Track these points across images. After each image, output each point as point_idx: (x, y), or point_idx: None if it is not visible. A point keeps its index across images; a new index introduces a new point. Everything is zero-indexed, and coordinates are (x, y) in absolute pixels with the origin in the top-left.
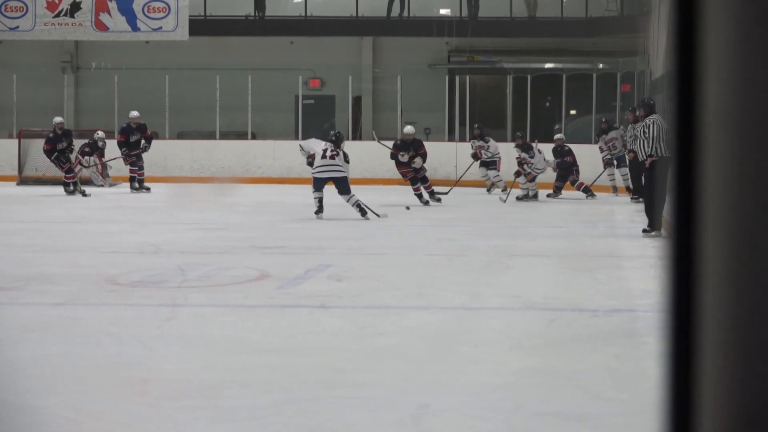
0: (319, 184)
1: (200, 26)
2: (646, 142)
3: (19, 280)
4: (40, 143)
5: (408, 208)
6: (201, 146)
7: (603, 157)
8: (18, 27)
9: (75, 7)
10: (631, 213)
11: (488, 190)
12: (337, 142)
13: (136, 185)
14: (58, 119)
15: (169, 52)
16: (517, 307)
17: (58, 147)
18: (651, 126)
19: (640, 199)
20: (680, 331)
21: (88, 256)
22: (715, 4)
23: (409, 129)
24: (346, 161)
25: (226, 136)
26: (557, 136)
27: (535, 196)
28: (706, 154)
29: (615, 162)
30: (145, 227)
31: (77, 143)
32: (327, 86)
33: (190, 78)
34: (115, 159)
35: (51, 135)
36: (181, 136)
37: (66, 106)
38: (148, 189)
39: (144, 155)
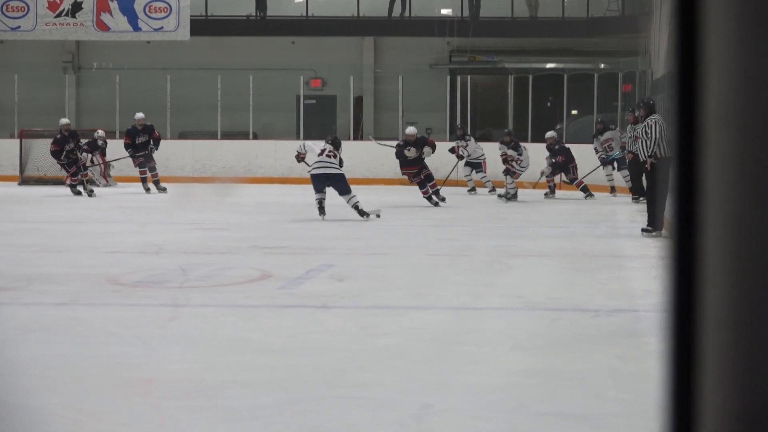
0: (318, 184)
1: (201, 26)
2: (647, 142)
3: (20, 280)
4: (41, 143)
5: (378, 216)
6: (202, 146)
7: (598, 157)
8: (19, 27)
9: (76, 7)
10: (632, 213)
11: (469, 191)
12: (335, 144)
13: (149, 186)
14: (64, 120)
15: (171, 52)
16: (519, 307)
17: (66, 148)
18: (653, 127)
19: (641, 200)
20: (682, 331)
21: (90, 256)
22: (716, 5)
23: (411, 129)
24: (341, 165)
25: (227, 136)
26: (549, 134)
27: (515, 196)
28: (707, 153)
29: (614, 164)
30: (147, 227)
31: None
32: (328, 86)
33: (192, 78)
34: (118, 159)
35: (58, 136)
36: (182, 136)
37: (67, 106)
38: (164, 189)
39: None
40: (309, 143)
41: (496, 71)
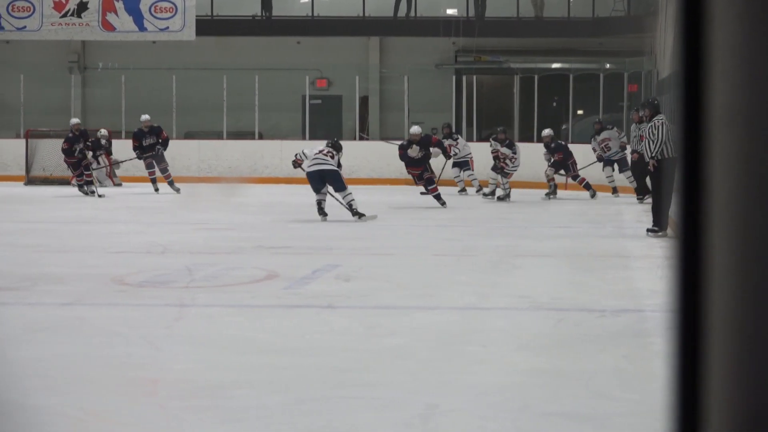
0: (313, 182)
1: (207, 26)
2: (653, 143)
3: (26, 280)
4: (47, 143)
5: (374, 218)
6: (208, 146)
7: (596, 155)
8: (25, 27)
9: (82, 7)
10: (638, 213)
11: (460, 192)
12: (335, 147)
13: (158, 186)
14: (74, 120)
15: (176, 52)
16: (525, 307)
17: (76, 147)
18: (660, 127)
19: (645, 200)
20: (687, 331)
21: (96, 256)
22: (722, 4)
23: (415, 129)
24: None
25: (233, 136)
26: (545, 132)
27: (508, 196)
28: (713, 153)
29: (615, 165)
30: (152, 227)
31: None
32: (334, 86)
33: (197, 78)
34: (125, 161)
35: (70, 135)
36: (188, 136)
37: (73, 106)
38: (178, 190)
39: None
40: (307, 150)
41: (501, 71)
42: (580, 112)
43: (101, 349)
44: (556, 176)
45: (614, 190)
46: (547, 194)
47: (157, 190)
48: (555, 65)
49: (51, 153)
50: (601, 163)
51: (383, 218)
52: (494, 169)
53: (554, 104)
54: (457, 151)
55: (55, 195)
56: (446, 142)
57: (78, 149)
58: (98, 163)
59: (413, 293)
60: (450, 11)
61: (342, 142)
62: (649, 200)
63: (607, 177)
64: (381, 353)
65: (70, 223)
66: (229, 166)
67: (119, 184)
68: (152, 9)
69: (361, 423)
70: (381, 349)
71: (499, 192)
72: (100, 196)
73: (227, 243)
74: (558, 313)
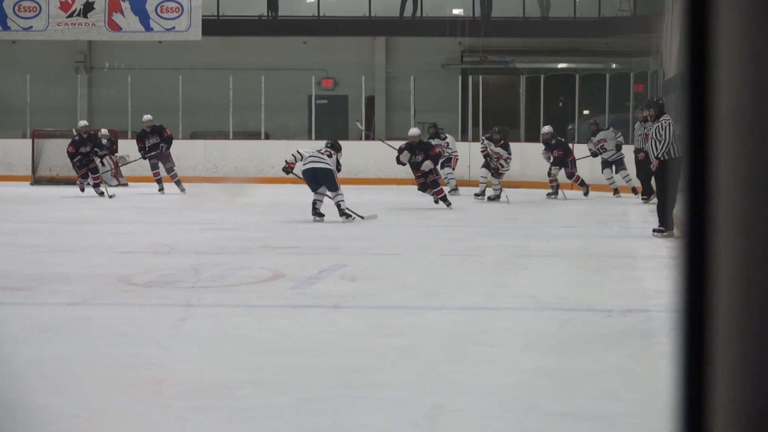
0: (309, 181)
1: (213, 26)
2: (659, 143)
3: (32, 280)
4: (53, 143)
5: (363, 218)
6: (214, 146)
7: (591, 152)
8: (31, 27)
9: (88, 7)
10: (644, 213)
11: (451, 191)
12: (334, 147)
13: (163, 186)
14: (83, 123)
15: (182, 52)
16: (531, 307)
17: (81, 150)
18: (667, 128)
19: (651, 199)
20: (693, 331)
21: (102, 256)
22: (727, 5)
23: (414, 131)
24: (338, 169)
25: (239, 136)
26: (545, 129)
27: (498, 197)
28: (718, 153)
29: (613, 167)
30: (159, 227)
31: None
32: (340, 86)
33: (203, 78)
34: (130, 162)
35: (76, 138)
36: (194, 136)
37: (79, 106)
38: (183, 189)
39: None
40: (302, 150)
41: (507, 71)
42: (586, 112)
43: (107, 349)
44: (556, 177)
45: (615, 191)
46: (549, 194)
47: (161, 190)
48: (561, 65)
49: (57, 153)
50: (600, 164)
51: (390, 218)
52: (487, 168)
53: (560, 104)
54: (449, 151)
55: (61, 195)
56: (434, 142)
57: (82, 153)
58: (103, 165)
59: (420, 293)
60: (456, 11)
61: (348, 143)
62: (654, 201)
63: (608, 179)
64: (387, 353)
65: (76, 223)
66: (235, 166)
67: (125, 184)
68: (158, 9)
69: (367, 423)
70: (387, 349)
71: (489, 192)
72: (110, 196)
73: (233, 243)
74: (564, 313)
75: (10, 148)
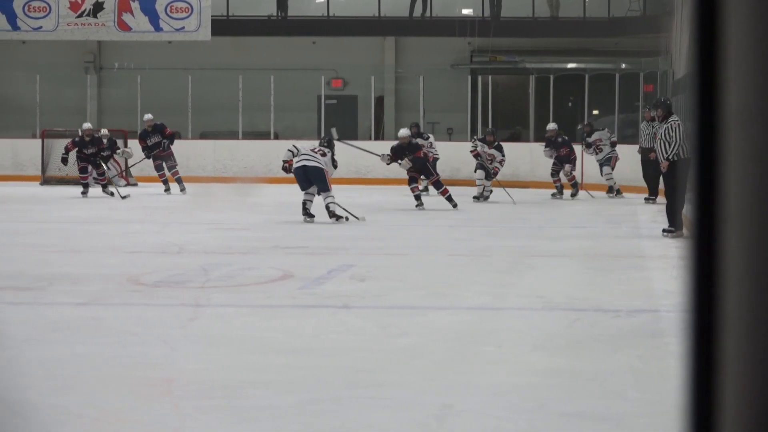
0: (300, 180)
1: (223, 26)
2: (668, 144)
3: (41, 280)
4: (62, 143)
5: (358, 219)
6: (223, 146)
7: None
8: (41, 27)
9: (98, 7)
10: (653, 213)
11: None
12: (328, 146)
13: (169, 187)
14: (87, 125)
15: (192, 52)
16: (540, 307)
17: (84, 151)
18: (677, 129)
19: (656, 200)
20: (702, 331)
21: (111, 256)
22: (736, 5)
23: (403, 132)
24: (334, 166)
25: (248, 136)
26: (550, 126)
27: (487, 197)
28: (727, 153)
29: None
30: (168, 227)
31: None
32: (349, 86)
33: (213, 78)
34: (135, 164)
35: (77, 139)
36: (203, 136)
37: (89, 106)
38: (183, 189)
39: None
40: (299, 144)
41: (517, 71)
42: (595, 112)
43: (116, 348)
44: (559, 176)
45: (617, 192)
46: (553, 195)
47: (167, 190)
48: (570, 65)
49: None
50: (599, 165)
51: (397, 219)
52: (482, 169)
53: (570, 104)
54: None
55: (70, 195)
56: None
57: (84, 155)
58: (109, 168)
59: (428, 293)
60: (465, 11)
61: (357, 143)
62: (660, 200)
63: (606, 177)
64: (396, 353)
65: (86, 223)
66: (244, 166)
67: (134, 184)
68: (168, 9)
69: (375, 423)
70: (396, 349)
71: (475, 192)
72: (123, 197)
73: (242, 243)
74: (573, 313)
75: (20, 148)
